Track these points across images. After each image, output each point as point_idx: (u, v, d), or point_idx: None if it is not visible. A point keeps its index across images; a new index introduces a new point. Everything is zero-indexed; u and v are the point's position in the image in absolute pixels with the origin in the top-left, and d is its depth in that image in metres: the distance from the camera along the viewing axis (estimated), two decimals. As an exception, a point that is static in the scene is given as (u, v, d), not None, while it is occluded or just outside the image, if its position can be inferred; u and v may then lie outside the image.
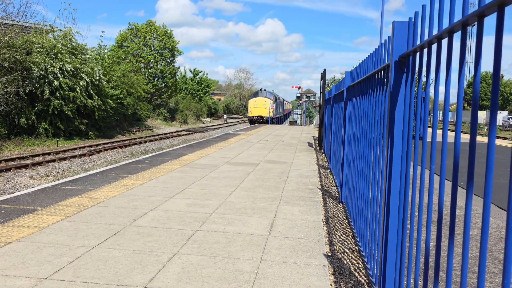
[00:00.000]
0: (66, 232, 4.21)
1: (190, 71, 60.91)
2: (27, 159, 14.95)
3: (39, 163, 14.04)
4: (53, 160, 14.80)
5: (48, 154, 16.29)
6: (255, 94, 47.41)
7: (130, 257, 3.59)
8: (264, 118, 43.77)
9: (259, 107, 44.16)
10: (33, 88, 20.10)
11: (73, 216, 4.81)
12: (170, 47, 43.13)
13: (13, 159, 14.54)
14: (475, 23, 1.58)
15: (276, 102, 49.57)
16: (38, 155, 15.78)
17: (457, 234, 4.38)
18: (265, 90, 47.00)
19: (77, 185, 6.57)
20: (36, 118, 20.49)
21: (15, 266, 3.34)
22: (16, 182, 11.33)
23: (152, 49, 42.50)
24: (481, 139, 19.09)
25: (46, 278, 3.13)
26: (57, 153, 16.82)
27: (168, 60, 43.61)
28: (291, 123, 49.29)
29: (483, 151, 13.01)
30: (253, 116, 44.23)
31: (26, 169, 13.21)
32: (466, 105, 66.38)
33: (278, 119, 51.01)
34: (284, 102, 63.40)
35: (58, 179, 11.56)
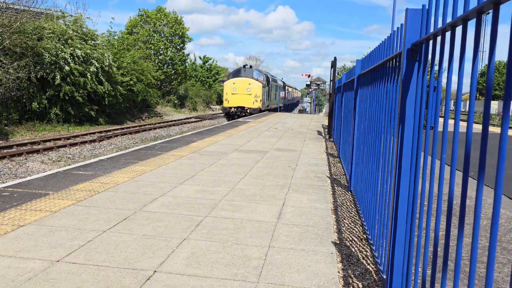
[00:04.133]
0: (77, 216, 4.27)
1: (200, 58, 60.79)
2: (39, 144, 15.12)
3: (50, 148, 14.20)
4: (64, 146, 14.95)
5: (59, 139, 16.46)
6: (236, 73, 31.39)
7: (140, 242, 3.64)
8: (248, 110, 29.07)
9: (240, 92, 29.29)
10: (45, 74, 20.23)
11: (84, 200, 4.88)
12: (180, 33, 43.03)
13: (25, 144, 14.72)
14: (491, 10, 1.55)
15: (270, 85, 34.03)
16: (49, 140, 15.95)
17: (466, 225, 4.37)
18: (250, 67, 31.87)
19: (88, 171, 6.65)
20: (47, 103, 20.67)
21: (28, 248, 3.41)
22: (28, 166, 11.48)
23: (162, 35, 42.43)
24: (493, 130, 18.87)
25: (58, 261, 3.19)
26: (68, 138, 16.98)
27: (178, 47, 43.52)
28: (300, 111, 48.95)
29: (495, 141, 12.88)
30: (230, 107, 29.32)
31: (37, 154, 13.36)
32: (478, 95, 65.54)
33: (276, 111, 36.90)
34: (287, 87, 49.81)
35: (69, 164, 11.69)
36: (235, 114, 29.06)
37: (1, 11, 17.67)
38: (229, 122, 19.92)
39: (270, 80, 34.42)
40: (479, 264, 3.44)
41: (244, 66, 31.79)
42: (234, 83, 29.77)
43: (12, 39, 17.82)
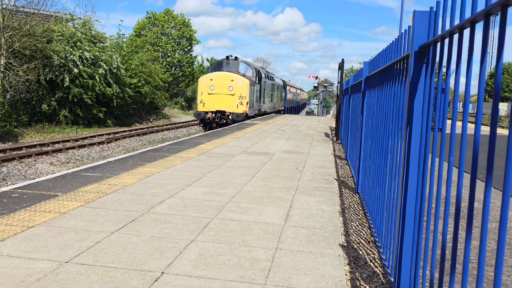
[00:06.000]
0: (86, 218, 4.30)
1: (208, 60, 60.85)
2: (48, 146, 15.24)
3: (59, 150, 14.31)
4: (73, 147, 15.06)
5: (68, 141, 16.58)
6: (216, 67, 23.82)
7: (148, 243, 3.66)
8: (230, 117, 21.65)
9: (220, 92, 21.77)
10: (54, 76, 20.42)
11: (92, 202, 4.91)
12: (187, 36, 43.20)
13: (34, 146, 14.84)
14: (499, 12, 1.55)
15: (263, 83, 26.32)
16: (58, 142, 16.08)
17: (475, 227, 4.34)
18: (235, 58, 23.97)
19: (96, 172, 6.69)
20: (56, 105, 20.85)
21: (38, 249, 3.44)
22: (37, 168, 11.58)
23: (170, 38, 42.63)
24: (502, 132, 18.71)
25: (67, 262, 3.22)
26: (77, 140, 17.10)
27: (185, 49, 43.70)
28: (307, 113, 48.86)
29: (503, 143, 12.76)
30: (206, 112, 21.81)
31: (46, 155, 13.47)
32: (487, 97, 65.03)
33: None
34: (289, 87, 42.65)
35: (78, 166, 11.78)
36: (213, 121, 21.69)
37: (11, 14, 17.87)
38: (236, 124, 18.33)
39: (263, 76, 26.51)
40: (488, 267, 3.41)
41: (228, 57, 23.80)
42: (211, 80, 21.84)
43: (22, 41, 18.00)
